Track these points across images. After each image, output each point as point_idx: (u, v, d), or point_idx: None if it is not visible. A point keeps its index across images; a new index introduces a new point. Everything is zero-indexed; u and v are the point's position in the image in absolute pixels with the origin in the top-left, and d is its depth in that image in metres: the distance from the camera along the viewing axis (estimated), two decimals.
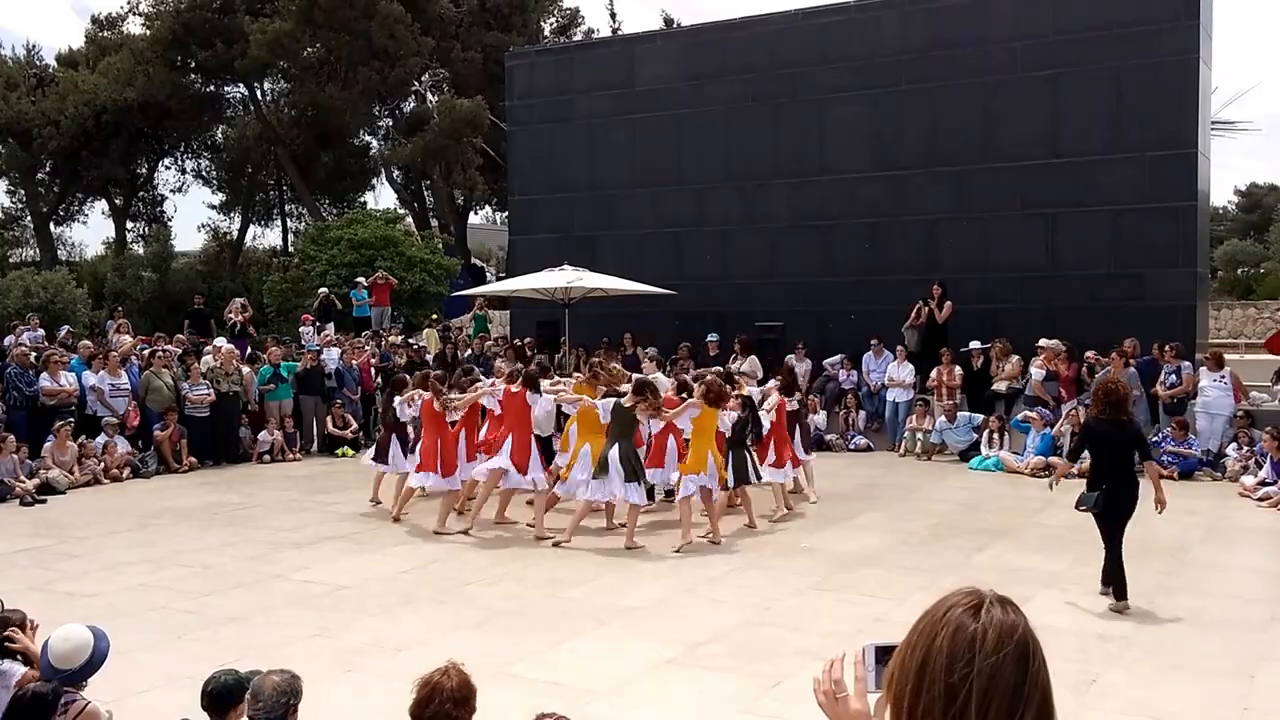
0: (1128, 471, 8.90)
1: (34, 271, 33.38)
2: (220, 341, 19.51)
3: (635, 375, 13.35)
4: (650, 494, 12.35)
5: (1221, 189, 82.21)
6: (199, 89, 39.53)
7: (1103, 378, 11.39)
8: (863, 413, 18.89)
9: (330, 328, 23.39)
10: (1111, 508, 8.80)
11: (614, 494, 11.29)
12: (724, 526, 11.71)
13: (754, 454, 12.33)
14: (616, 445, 11.21)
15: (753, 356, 18.58)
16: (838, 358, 19.40)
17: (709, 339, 19.77)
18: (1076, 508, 9.15)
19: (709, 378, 11.81)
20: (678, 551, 10.96)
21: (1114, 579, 8.83)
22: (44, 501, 14.05)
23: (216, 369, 17.70)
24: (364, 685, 6.98)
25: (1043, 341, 16.95)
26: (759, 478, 12.41)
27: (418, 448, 12.67)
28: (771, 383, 14.03)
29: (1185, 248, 18.00)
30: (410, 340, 23.28)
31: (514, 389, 12.05)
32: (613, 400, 11.53)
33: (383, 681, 6.87)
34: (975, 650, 1.74)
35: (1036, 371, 16.65)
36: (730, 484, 11.88)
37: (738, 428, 11.92)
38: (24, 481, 14.24)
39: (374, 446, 14.36)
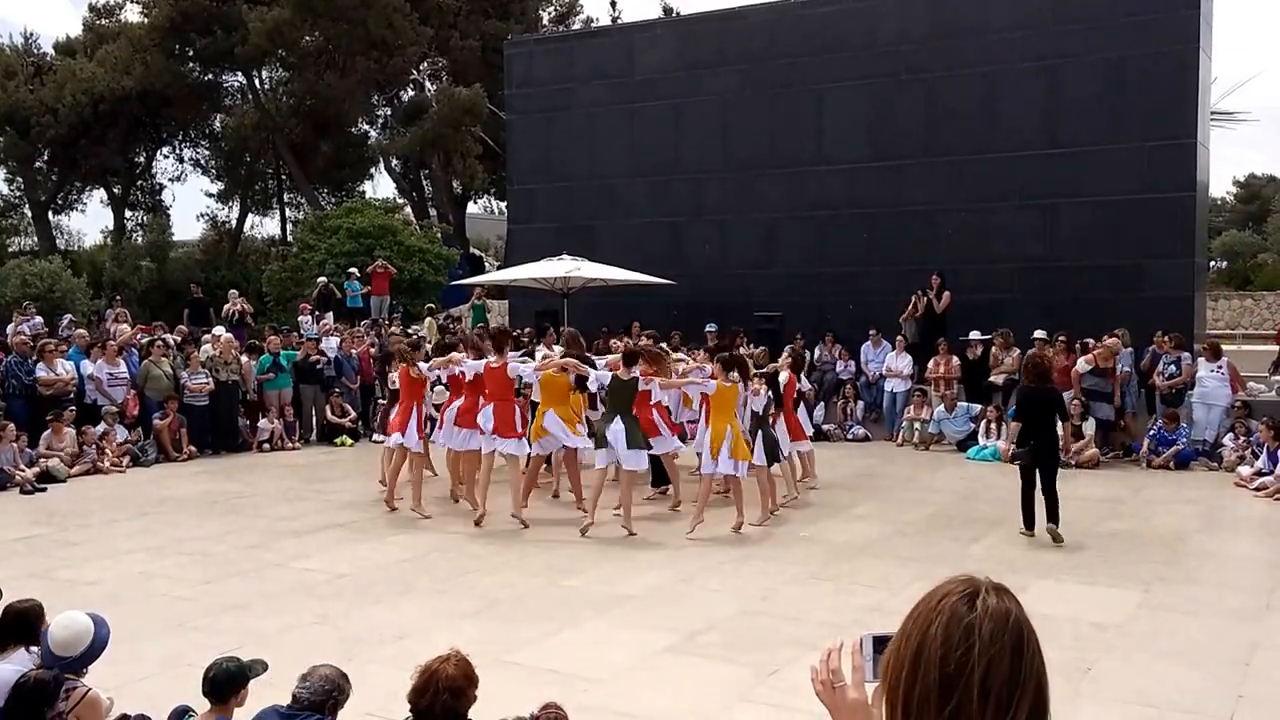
0: (1050, 429, 10.94)
1: (30, 260, 33.35)
2: (219, 330, 19.52)
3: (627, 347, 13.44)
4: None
5: (1220, 180, 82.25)
6: (197, 77, 39.44)
7: (1033, 354, 12.95)
8: (860, 403, 18.92)
9: (329, 317, 23.42)
10: (1037, 459, 10.82)
11: (619, 461, 11.39)
12: (725, 516, 11.75)
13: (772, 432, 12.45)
14: (617, 417, 11.29)
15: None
16: (817, 347, 19.45)
17: (708, 329, 19.76)
18: (1010, 461, 11.41)
19: (727, 354, 11.86)
20: (690, 534, 11.07)
21: (1026, 509, 10.90)
22: (44, 490, 14.06)
23: (215, 358, 17.71)
24: (365, 673, 6.99)
25: (1038, 333, 16.94)
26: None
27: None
28: (783, 359, 14.10)
29: (1184, 238, 17.99)
30: (409, 330, 23.28)
31: (494, 363, 11.83)
32: (608, 374, 11.60)
33: (384, 669, 6.88)
34: (971, 639, 1.75)
35: (1084, 364, 15.97)
36: (763, 463, 11.95)
37: (766, 407, 12.14)
38: (24, 470, 14.27)
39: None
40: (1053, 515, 10.67)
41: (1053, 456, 10.96)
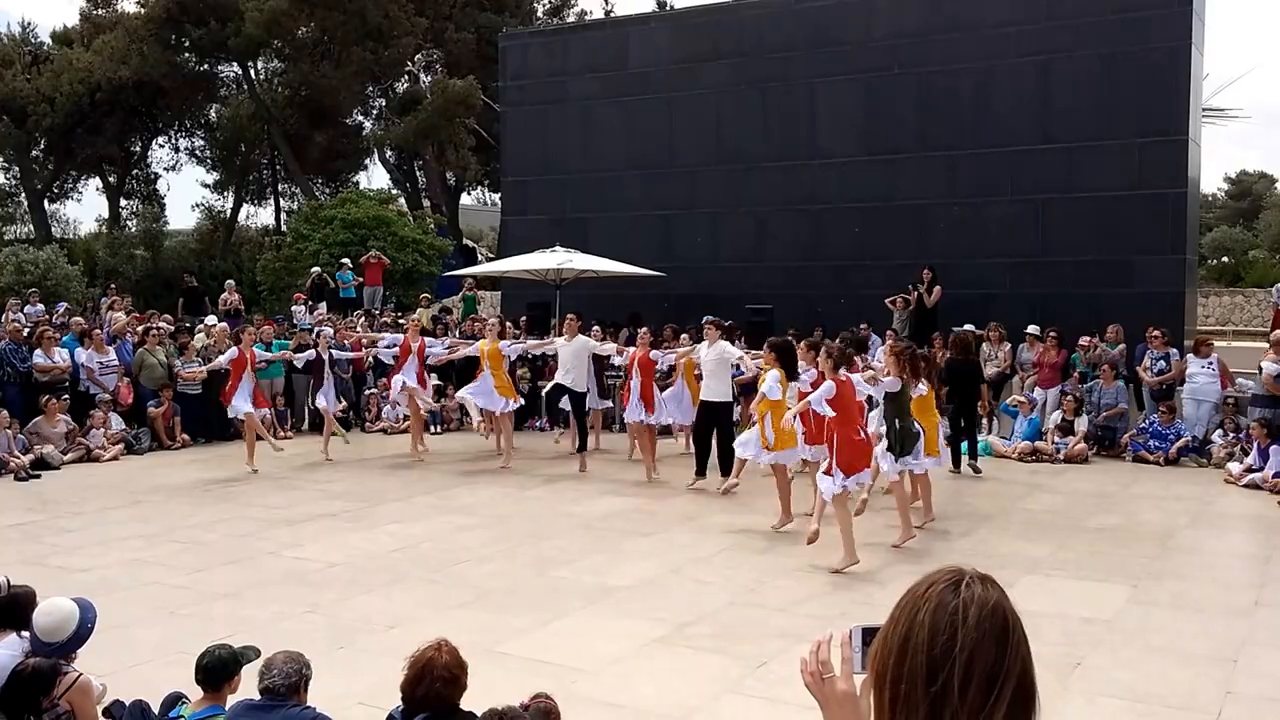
0: (972, 392, 14.71)
1: (25, 248, 33.30)
2: (213, 319, 19.50)
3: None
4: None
5: (1211, 176, 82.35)
6: (193, 67, 39.40)
7: (958, 333, 15.39)
8: None
9: (323, 307, 23.40)
10: (959, 414, 14.43)
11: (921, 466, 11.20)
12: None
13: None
14: (914, 422, 10.98)
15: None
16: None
17: (705, 320, 19.70)
18: (941, 414, 13.07)
19: (907, 348, 11.28)
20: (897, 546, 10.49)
21: (954, 451, 13.72)
22: (38, 477, 14.08)
23: (210, 347, 17.71)
24: (356, 662, 7.04)
25: (1030, 328, 16.97)
26: None
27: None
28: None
29: (1175, 234, 18.03)
30: (401, 320, 23.24)
31: (842, 376, 9.99)
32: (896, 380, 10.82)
33: (375, 658, 6.92)
34: (957, 625, 1.79)
35: (1271, 365, 14.57)
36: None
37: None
38: (18, 457, 14.27)
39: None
40: (972, 454, 14.40)
41: (973, 411, 14.79)
